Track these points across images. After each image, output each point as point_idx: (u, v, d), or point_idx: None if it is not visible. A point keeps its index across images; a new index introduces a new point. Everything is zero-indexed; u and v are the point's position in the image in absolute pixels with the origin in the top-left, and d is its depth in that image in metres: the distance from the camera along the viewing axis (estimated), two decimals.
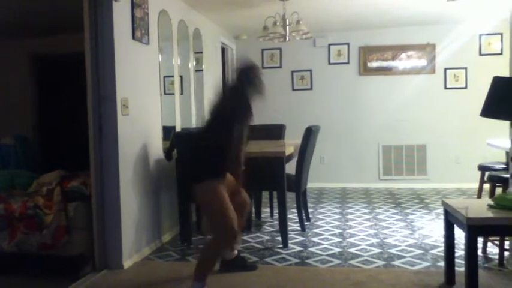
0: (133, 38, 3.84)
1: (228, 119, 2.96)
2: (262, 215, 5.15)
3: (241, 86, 3.12)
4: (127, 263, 3.61)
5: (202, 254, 3.05)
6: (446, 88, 6.87)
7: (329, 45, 7.11)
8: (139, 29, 3.92)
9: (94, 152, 3.54)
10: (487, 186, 4.25)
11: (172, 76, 4.90)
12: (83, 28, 3.51)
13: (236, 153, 3.02)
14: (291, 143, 4.72)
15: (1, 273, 3.50)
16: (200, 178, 2.94)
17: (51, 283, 3.32)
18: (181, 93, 5.12)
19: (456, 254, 3.18)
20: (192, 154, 3.20)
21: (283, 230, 4.09)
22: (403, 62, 6.99)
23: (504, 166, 4.34)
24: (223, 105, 3.05)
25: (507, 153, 4.47)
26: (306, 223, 4.70)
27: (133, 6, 3.82)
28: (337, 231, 4.56)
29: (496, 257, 3.54)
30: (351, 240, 4.23)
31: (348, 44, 7.08)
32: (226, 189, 2.98)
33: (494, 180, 3.81)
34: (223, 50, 6.77)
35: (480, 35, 6.73)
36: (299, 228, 4.57)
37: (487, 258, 3.63)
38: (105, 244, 3.57)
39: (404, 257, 3.73)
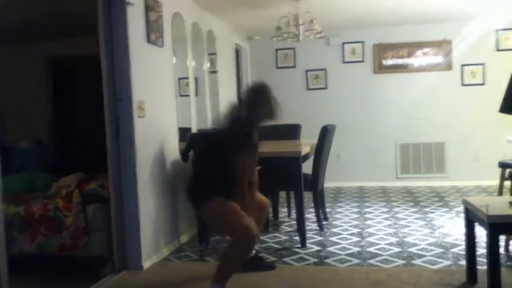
0: (148, 41, 3.86)
1: (224, 148, 2.99)
2: (280, 215, 5.14)
3: (244, 112, 3.09)
4: (146, 264, 3.63)
5: (223, 258, 3.02)
6: (463, 85, 6.78)
7: (343, 43, 7.07)
8: (153, 31, 3.94)
9: (111, 154, 3.57)
10: (508, 183, 4.18)
11: (187, 78, 4.92)
12: (98, 31, 3.55)
13: (238, 181, 3.00)
14: (306, 143, 4.71)
15: (22, 275, 3.53)
16: (203, 200, 2.99)
17: (71, 284, 3.35)
18: (196, 95, 5.14)
19: (478, 253, 3.14)
20: (193, 177, 3.26)
21: (301, 229, 4.07)
22: (418, 59, 6.91)
23: None
24: (223, 134, 3.08)
25: None
26: (324, 222, 4.68)
27: (147, 9, 3.84)
28: (355, 230, 4.53)
29: None
30: (370, 239, 4.20)
31: (362, 42, 7.03)
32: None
33: None
34: (237, 51, 6.78)
35: (497, 30, 6.63)
36: (317, 228, 4.54)
37: (509, 257, 3.56)
38: (124, 245, 3.59)
39: (424, 255, 3.69)
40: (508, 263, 3.44)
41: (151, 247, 3.75)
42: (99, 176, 3.80)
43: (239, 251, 2.92)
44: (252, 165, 3.15)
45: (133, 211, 3.58)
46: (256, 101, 3.11)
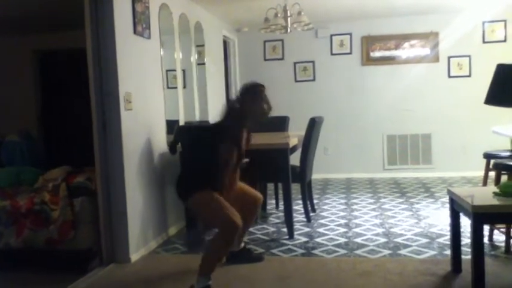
0: (135, 32, 3.83)
1: (212, 143, 3.04)
2: (268, 207, 5.16)
3: (235, 109, 3.13)
4: (134, 257, 3.63)
5: (207, 249, 3.05)
6: (450, 76, 6.83)
7: (331, 35, 7.08)
8: (140, 23, 3.91)
9: (98, 147, 3.55)
10: (492, 174, 4.24)
11: (175, 70, 4.89)
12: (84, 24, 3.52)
13: (223, 171, 3.02)
14: (294, 135, 4.72)
15: (9, 269, 3.53)
16: (190, 192, 3.02)
17: (58, 278, 3.34)
18: (184, 87, 5.12)
19: (462, 242, 3.18)
20: (181, 170, 3.26)
21: (288, 221, 4.10)
22: (406, 51, 6.94)
23: (509, 153, 4.32)
24: (214, 127, 3.14)
25: None
26: (311, 214, 4.71)
27: (133, 0, 3.81)
28: (342, 221, 4.57)
29: (503, 244, 3.54)
30: (357, 230, 4.24)
31: (350, 34, 7.05)
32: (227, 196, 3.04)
33: (500, 168, 3.79)
34: (225, 43, 6.75)
35: (484, 22, 6.68)
36: (305, 219, 4.57)
37: (493, 246, 3.63)
38: (112, 238, 3.59)
39: (410, 246, 3.74)
40: (492, 252, 3.50)
41: (139, 240, 3.75)
42: (86, 169, 3.78)
43: (222, 241, 2.94)
44: (238, 159, 3.15)
45: (121, 204, 3.58)
46: (249, 100, 3.13)
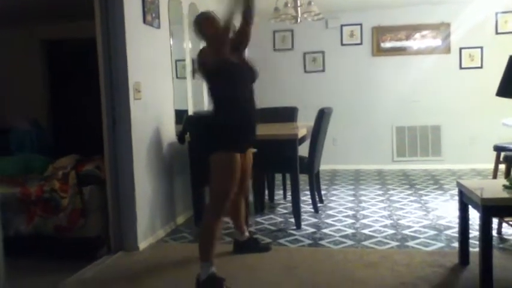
0: (144, 22, 3.83)
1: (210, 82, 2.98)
2: (276, 197, 5.17)
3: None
4: (142, 245, 3.66)
5: (200, 234, 3.06)
6: (461, 68, 6.76)
7: (341, 26, 7.02)
8: (149, 13, 3.91)
9: (108, 136, 3.57)
10: (502, 166, 4.20)
11: (184, 60, 4.89)
12: (94, 14, 3.52)
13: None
14: (303, 126, 4.71)
15: (19, 256, 3.57)
16: (217, 147, 2.89)
17: (68, 265, 3.38)
18: (193, 77, 5.12)
19: (471, 235, 3.17)
20: (206, 129, 3.12)
21: (296, 211, 4.10)
22: (417, 42, 6.88)
23: None
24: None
25: None
26: (319, 205, 4.71)
27: None
28: (350, 212, 4.56)
29: (511, 237, 3.52)
30: (365, 221, 4.24)
31: (360, 24, 6.99)
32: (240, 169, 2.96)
33: (510, 161, 3.76)
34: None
35: (496, 13, 6.59)
36: (312, 210, 4.58)
37: (501, 239, 3.61)
38: (121, 226, 3.62)
39: (418, 237, 3.73)
40: (500, 245, 3.48)
41: (148, 228, 3.78)
42: (95, 157, 3.81)
43: (209, 218, 2.92)
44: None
45: (129, 192, 3.60)
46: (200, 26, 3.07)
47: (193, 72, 3.05)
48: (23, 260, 3.51)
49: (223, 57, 2.88)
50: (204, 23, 3.10)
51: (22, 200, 3.59)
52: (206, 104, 5.37)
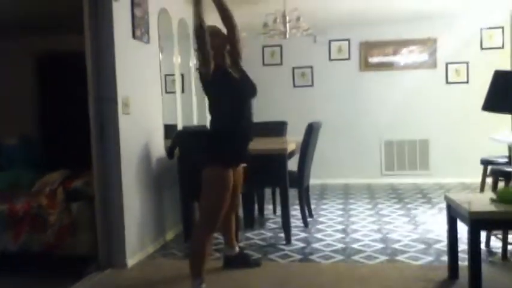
0: (134, 37, 3.84)
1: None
2: (265, 212, 5.16)
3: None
4: (131, 262, 3.62)
5: (191, 249, 3.05)
6: (447, 83, 6.86)
7: (330, 41, 7.10)
8: (139, 28, 3.92)
9: (96, 152, 3.55)
10: (489, 180, 4.24)
11: (173, 74, 4.90)
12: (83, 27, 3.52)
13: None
14: (292, 140, 4.72)
15: (6, 273, 3.52)
16: (212, 162, 2.90)
17: (55, 282, 3.33)
18: (183, 92, 5.13)
19: (459, 248, 3.18)
20: (204, 141, 3.10)
21: (286, 226, 4.10)
22: (404, 57, 6.97)
23: (506, 160, 4.33)
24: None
25: (509, 147, 4.47)
26: (308, 219, 4.71)
27: (133, 5, 3.81)
28: (340, 227, 4.56)
29: (500, 250, 3.54)
30: (354, 235, 4.24)
31: (348, 40, 7.07)
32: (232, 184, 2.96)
33: (497, 174, 3.80)
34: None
35: (481, 29, 6.71)
36: (302, 225, 4.57)
37: (490, 252, 3.63)
38: (109, 243, 3.58)
39: (407, 251, 3.74)
40: (489, 259, 3.50)
41: (137, 245, 3.74)
42: (84, 173, 3.78)
43: (199, 234, 2.93)
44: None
45: (118, 209, 3.57)
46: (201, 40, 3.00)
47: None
48: (11, 278, 3.45)
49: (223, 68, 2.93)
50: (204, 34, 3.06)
51: (9, 217, 3.54)
52: (195, 119, 5.38)
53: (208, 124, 3.18)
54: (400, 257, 3.61)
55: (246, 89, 3.06)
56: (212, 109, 3.03)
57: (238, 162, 3.10)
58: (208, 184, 2.89)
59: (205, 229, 2.92)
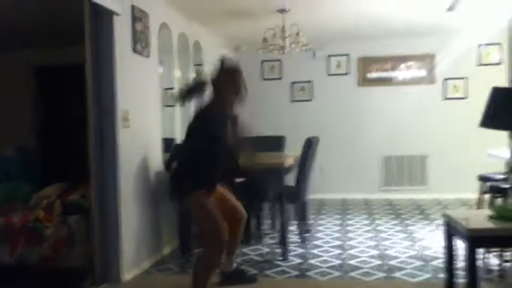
0: (134, 51, 3.87)
1: (200, 133, 3.01)
2: (263, 227, 5.14)
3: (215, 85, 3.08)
4: (127, 276, 3.60)
5: (195, 269, 3.05)
6: (446, 98, 6.89)
7: (328, 56, 7.15)
8: (139, 42, 3.95)
9: (94, 165, 3.55)
10: (487, 196, 4.25)
11: (173, 88, 4.92)
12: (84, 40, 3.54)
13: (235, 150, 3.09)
14: (290, 155, 4.73)
15: (2, 286, 3.49)
16: (187, 191, 2.98)
17: None
18: (181, 105, 5.13)
19: (457, 266, 3.17)
20: (178, 168, 3.22)
21: (283, 242, 4.08)
22: (402, 73, 7.01)
23: (504, 176, 4.33)
24: (196, 123, 3.08)
25: (507, 163, 4.47)
26: (306, 235, 4.69)
27: (133, 19, 3.85)
28: (337, 243, 4.55)
29: (497, 268, 3.53)
30: (351, 252, 4.22)
31: (347, 55, 7.11)
32: (216, 201, 3.04)
33: (494, 191, 3.81)
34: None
35: (479, 45, 6.76)
36: (299, 240, 4.55)
37: (487, 270, 3.61)
38: (105, 257, 3.56)
39: (404, 268, 3.72)
40: (487, 276, 3.48)
41: (133, 259, 3.73)
42: (81, 186, 3.77)
43: (209, 255, 2.95)
44: (238, 135, 3.14)
45: (114, 223, 3.55)
46: (226, 79, 3.08)
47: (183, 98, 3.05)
48: None
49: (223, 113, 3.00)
50: (234, 76, 3.12)
51: (6, 230, 3.53)
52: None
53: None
54: (397, 274, 3.60)
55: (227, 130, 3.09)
56: (193, 145, 3.06)
57: (213, 186, 3.12)
58: (195, 211, 2.98)
59: (215, 250, 2.94)
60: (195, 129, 3.07)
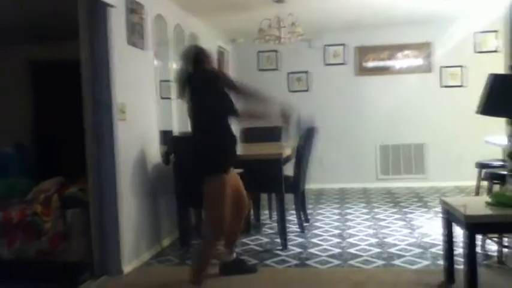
0: (129, 43, 3.84)
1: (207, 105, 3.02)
2: (262, 217, 5.15)
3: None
4: (127, 269, 3.60)
5: (194, 257, 3.06)
6: (442, 86, 6.88)
7: (325, 46, 7.12)
8: (134, 34, 3.92)
9: (91, 158, 3.54)
10: (485, 183, 4.25)
11: (169, 80, 4.90)
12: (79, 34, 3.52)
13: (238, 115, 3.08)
14: (288, 145, 4.72)
15: (0, 280, 3.50)
16: (209, 171, 2.95)
17: None
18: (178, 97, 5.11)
19: (455, 252, 3.18)
20: (197, 150, 3.11)
21: (282, 231, 4.09)
22: (399, 62, 7.00)
23: (501, 163, 4.34)
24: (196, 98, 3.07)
25: (504, 150, 4.48)
26: (305, 224, 4.70)
27: (128, 11, 3.82)
28: (336, 231, 4.56)
29: (496, 254, 3.54)
30: (351, 240, 4.23)
31: (343, 44, 7.09)
32: (230, 186, 3.03)
33: (492, 178, 3.81)
34: (219, 54, 6.77)
35: (475, 33, 6.75)
36: (298, 230, 4.56)
37: (486, 256, 3.63)
38: (104, 250, 3.56)
39: (404, 256, 3.73)
40: (485, 262, 3.50)
41: (132, 251, 3.73)
42: (79, 180, 3.77)
43: (207, 240, 2.96)
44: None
45: (113, 215, 3.55)
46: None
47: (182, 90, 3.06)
48: (5, 285, 3.43)
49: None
50: (204, 59, 3.16)
51: (4, 224, 3.53)
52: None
53: (193, 131, 3.17)
54: (396, 261, 3.61)
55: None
56: (205, 115, 3.04)
57: (231, 165, 3.13)
58: (210, 195, 2.94)
59: (213, 237, 2.95)
60: (207, 95, 3.02)
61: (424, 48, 6.90)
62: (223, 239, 3.25)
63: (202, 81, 3.05)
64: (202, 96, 3.03)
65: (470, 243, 2.71)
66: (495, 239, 3.57)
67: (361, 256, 3.77)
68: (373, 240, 4.19)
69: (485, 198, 3.04)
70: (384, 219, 4.96)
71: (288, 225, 4.40)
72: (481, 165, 4.42)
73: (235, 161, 3.16)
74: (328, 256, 3.82)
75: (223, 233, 3.00)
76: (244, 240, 4.34)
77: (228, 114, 3.05)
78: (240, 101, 3.06)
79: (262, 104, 3.15)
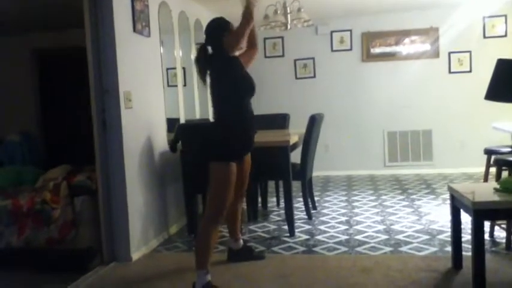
0: (134, 30, 3.83)
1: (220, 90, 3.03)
2: (269, 205, 5.16)
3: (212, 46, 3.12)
4: (135, 256, 3.63)
5: (196, 241, 3.07)
6: (450, 72, 6.82)
7: (331, 32, 7.06)
8: (139, 21, 3.90)
9: (99, 146, 3.55)
10: (493, 170, 4.23)
11: (175, 68, 4.89)
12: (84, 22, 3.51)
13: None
14: (295, 133, 4.72)
15: (10, 268, 3.54)
16: (219, 156, 2.94)
17: (60, 277, 3.34)
18: (185, 85, 5.12)
19: (463, 239, 3.18)
20: (211, 136, 3.09)
21: (289, 219, 4.10)
22: (406, 47, 6.93)
23: (510, 149, 4.31)
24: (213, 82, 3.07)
25: None
26: (312, 211, 4.71)
27: None
28: (343, 218, 4.57)
29: (503, 240, 3.54)
30: (358, 227, 4.24)
31: (350, 30, 7.03)
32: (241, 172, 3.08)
33: (500, 164, 3.79)
34: None
35: (484, 17, 6.66)
36: (306, 217, 4.57)
37: (494, 242, 3.62)
38: (113, 237, 3.59)
39: (411, 242, 3.73)
40: (493, 249, 3.49)
41: (140, 239, 3.76)
42: (87, 168, 3.79)
43: (206, 224, 2.95)
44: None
45: (121, 203, 3.58)
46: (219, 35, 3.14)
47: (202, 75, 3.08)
48: (15, 273, 3.48)
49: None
50: (221, 33, 3.17)
51: (13, 212, 3.56)
52: (198, 112, 5.37)
53: (212, 117, 3.19)
54: (404, 248, 3.61)
55: (250, 86, 3.12)
56: (221, 99, 3.05)
57: (242, 155, 3.14)
58: (214, 179, 2.94)
59: (212, 221, 2.95)
60: (223, 77, 3.04)
61: (431, 33, 6.82)
62: (225, 223, 3.26)
63: (218, 71, 3.05)
64: (216, 86, 3.06)
65: (477, 230, 2.71)
66: (503, 226, 3.56)
67: (369, 243, 3.78)
68: (381, 227, 4.19)
69: (493, 184, 3.02)
70: (392, 206, 4.96)
71: (295, 212, 4.41)
72: (489, 152, 4.39)
73: (250, 149, 3.18)
74: (336, 243, 3.83)
75: (223, 217, 3.00)
76: (252, 227, 4.36)
77: (246, 97, 3.06)
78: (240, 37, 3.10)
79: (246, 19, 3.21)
